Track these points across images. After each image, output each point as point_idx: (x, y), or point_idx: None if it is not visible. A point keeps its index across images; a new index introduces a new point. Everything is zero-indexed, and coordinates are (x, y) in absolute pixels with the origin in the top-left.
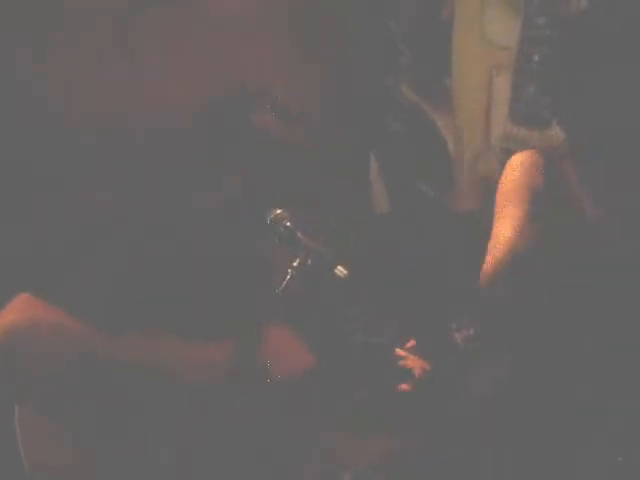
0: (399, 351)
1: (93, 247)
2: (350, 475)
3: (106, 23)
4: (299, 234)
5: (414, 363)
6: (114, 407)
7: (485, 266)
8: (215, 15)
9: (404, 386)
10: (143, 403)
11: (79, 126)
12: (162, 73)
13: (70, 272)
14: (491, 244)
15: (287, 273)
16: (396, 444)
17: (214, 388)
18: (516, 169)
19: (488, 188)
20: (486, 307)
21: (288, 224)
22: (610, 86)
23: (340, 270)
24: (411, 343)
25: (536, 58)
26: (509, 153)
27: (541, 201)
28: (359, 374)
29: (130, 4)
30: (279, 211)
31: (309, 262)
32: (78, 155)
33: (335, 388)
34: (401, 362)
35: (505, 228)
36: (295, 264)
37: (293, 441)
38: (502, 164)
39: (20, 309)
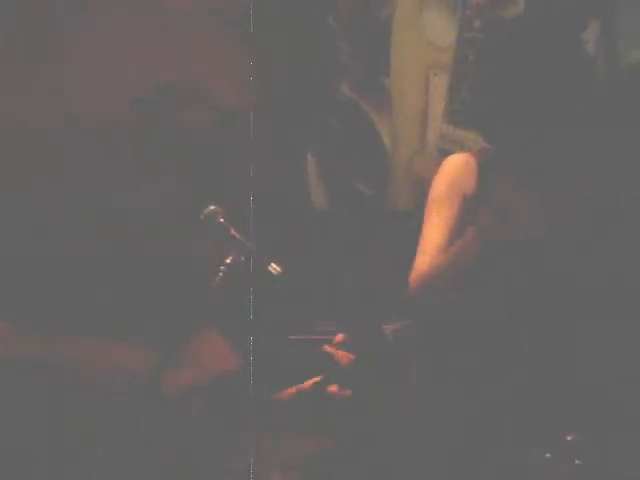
0: (326, 347)
1: (26, 247)
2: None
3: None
4: (232, 230)
5: (341, 356)
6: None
7: (412, 271)
8: (148, 11)
9: (333, 388)
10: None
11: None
12: (88, 72)
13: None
14: (420, 245)
15: (219, 270)
16: (314, 444)
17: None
18: (449, 171)
19: (423, 188)
20: (414, 307)
21: (222, 220)
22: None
23: (274, 267)
24: (339, 337)
25: (471, 59)
26: (445, 153)
27: (472, 204)
28: (286, 373)
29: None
30: (212, 207)
31: (242, 259)
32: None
33: (259, 388)
34: (326, 351)
35: (434, 231)
36: (228, 261)
37: (214, 440)
38: (438, 164)
39: None
